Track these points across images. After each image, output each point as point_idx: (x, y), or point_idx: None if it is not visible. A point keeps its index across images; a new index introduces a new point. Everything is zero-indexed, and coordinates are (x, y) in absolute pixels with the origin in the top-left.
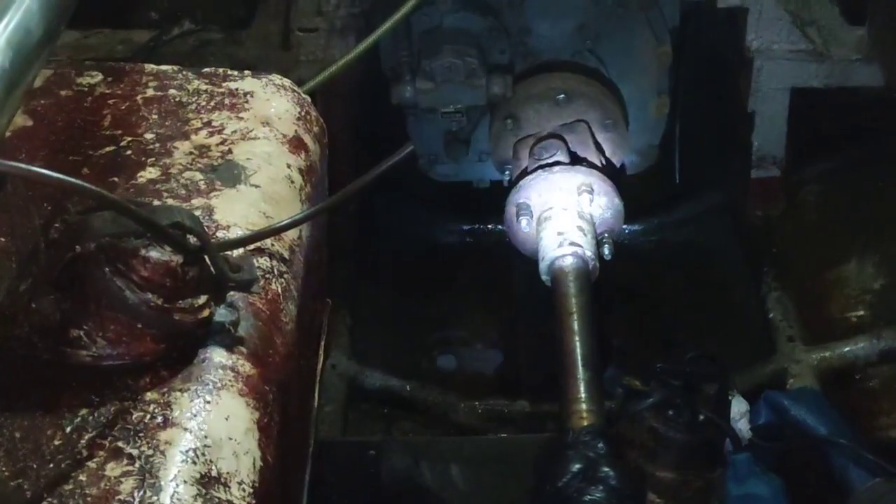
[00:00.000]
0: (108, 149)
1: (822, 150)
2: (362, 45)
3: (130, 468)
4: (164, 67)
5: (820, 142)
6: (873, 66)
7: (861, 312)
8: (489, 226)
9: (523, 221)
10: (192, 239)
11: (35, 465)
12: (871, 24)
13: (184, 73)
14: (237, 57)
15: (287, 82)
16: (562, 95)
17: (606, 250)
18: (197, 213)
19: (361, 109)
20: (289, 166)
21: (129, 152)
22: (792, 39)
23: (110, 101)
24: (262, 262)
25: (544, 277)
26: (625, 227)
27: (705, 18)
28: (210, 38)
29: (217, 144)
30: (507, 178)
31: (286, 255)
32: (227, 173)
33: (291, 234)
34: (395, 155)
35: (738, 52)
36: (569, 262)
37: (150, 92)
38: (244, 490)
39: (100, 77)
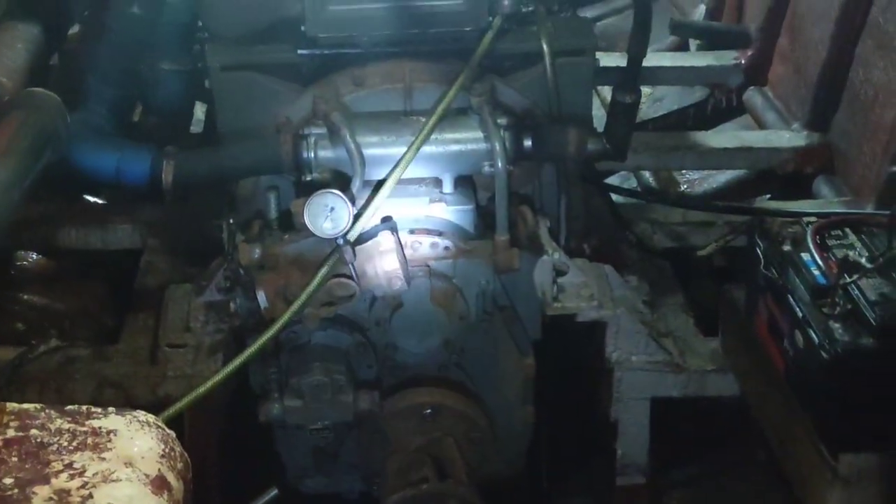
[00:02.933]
0: None
1: (685, 457)
2: (231, 364)
3: None
4: (26, 406)
5: (683, 449)
6: (728, 376)
7: None
8: None
9: None
10: None
11: None
12: (723, 335)
13: (46, 411)
14: (104, 373)
15: (151, 418)
16: (428, 410)
17: None
18: None
19: (230, 426)
20: None
21: None
22: (649, 351)
23: None
24: None
25: None
26: None
27: (566, 331)
28: (77, 354)
29: (77, 488)
30: (376, 491)
31: None
32: None
33: None
34: (260, 498)
35: (598, 363)
36: None
37: (10, 433)
38: None
39: None
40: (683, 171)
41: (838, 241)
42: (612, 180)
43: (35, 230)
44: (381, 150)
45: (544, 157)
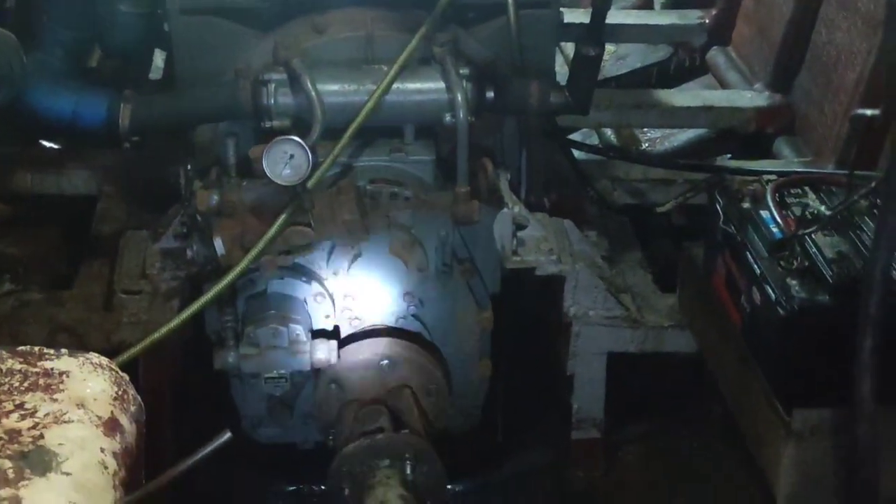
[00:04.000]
0: None
1: (640, 412)
2: (187, 310)
3: None
4: None
5: (638, 404)
6: (685, 333)
7: None
8: (314, 487)
9: (346, 491)
10: None
11: None
12: (681, 292)
13: None
14: (57, 319)
15: (105, 361)
16: (385, 361)
17: None
18: None
19: (185, 372)
20: (103, 451)
21: None
22: (607, 306)
23: None
24: None
25: None
26: (449, 486)
27: (525, 285)
28: (30, 298)
29: (28, 429)
30: (332, 441)
31: None
32: (38, 460)
33: None
34: (212, 442)
35: (556, 317)
36: None
37: None
38: None
39: None
40: (645, 129)
41: (797, 200)
42: (575, 137)
43: None
44: (341, 99)
45: (506, 110)
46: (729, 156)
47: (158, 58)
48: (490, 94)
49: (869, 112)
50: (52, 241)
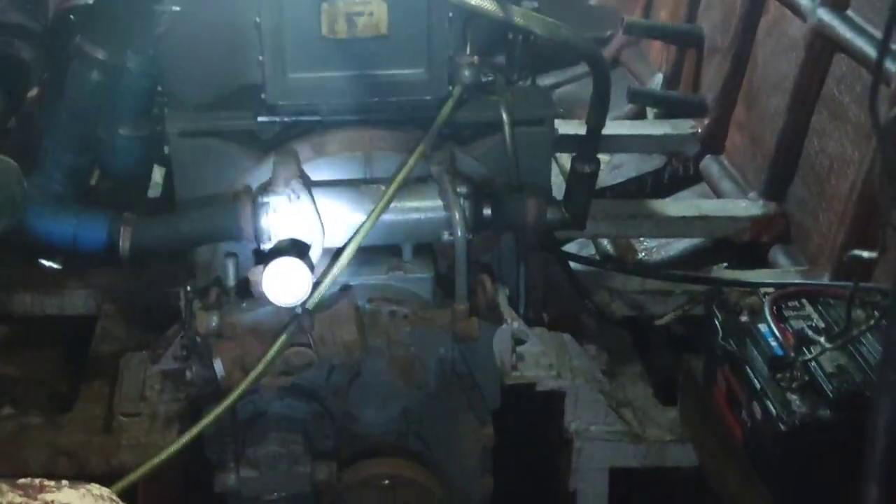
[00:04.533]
0: None
1: None
2: (187, 434)
3: None
4: None
5: None
6: (687, 447)
7: None
8: None
9: None
10: None
11: None
12: (681, 406)
13: None
14: (57, 443)
15: (105, 492)
16: (387, 481)
17: None
18: None
19: (185, 495)
20: None
21: None
22: (608, 421)
23: None
24: None
25: None
26: None
27: (525, 400)
28: (30, 422)
29: None
30: None
31: None
32: None
33: None
34: None
35: (557, 432)
36: None
37: None
38: None
39: None
40: (641, 238)
41: (795, 313)
42: (570, 247)
43: None
44: (340, 218)
45: (503, 226)
46: (725, 264)
47: (157, 174)
48: (487, 212)
49: (865, 254)
50: (52, 360)
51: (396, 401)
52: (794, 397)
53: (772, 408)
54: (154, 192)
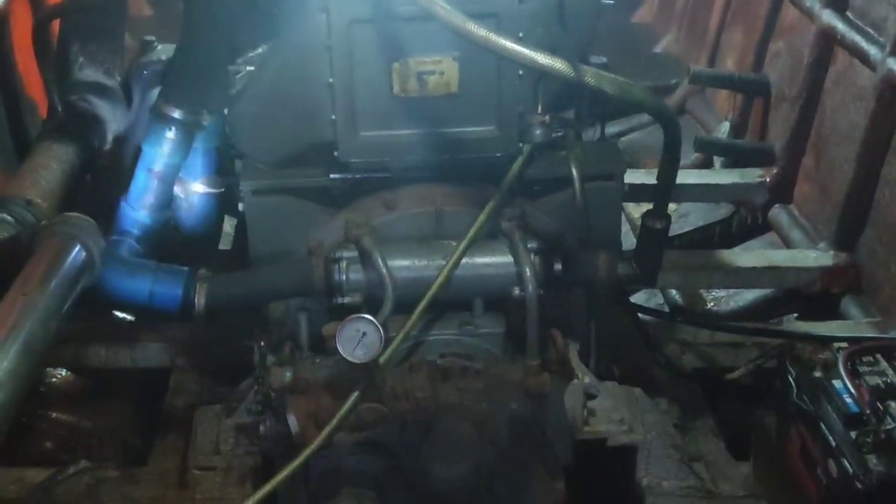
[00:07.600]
0: None
1: None
2: (261, 490)
3: None
4: None
5: None
6: (760, 503)
7: None
8: None
9: None
10: None
11: None
12: (754, 461)
13: None
14: (132, 496)
15: None
16: None
17: None
18: None
19: None
20: None
21: None
22: (680, 476)
23: None
24: None
25: None
26: None
27: (597, 456)
28: (106, 476)
29: None
30: None
31: None
32: None
33: None
34: None
35: (629, 488)
36: None
37: None
38: None
39: None
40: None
41: (870, 368)
42: (638, 296)
43: (64, 347)
44: (412, 274)
45: (574, 282)
46: (795, 315)
47: (227, 224)
48: (558, 267)
49: None
50: (126, 413)
51: (468, 456)
52: (870, 455)
53: (848, 466)
54: (225, 243)
